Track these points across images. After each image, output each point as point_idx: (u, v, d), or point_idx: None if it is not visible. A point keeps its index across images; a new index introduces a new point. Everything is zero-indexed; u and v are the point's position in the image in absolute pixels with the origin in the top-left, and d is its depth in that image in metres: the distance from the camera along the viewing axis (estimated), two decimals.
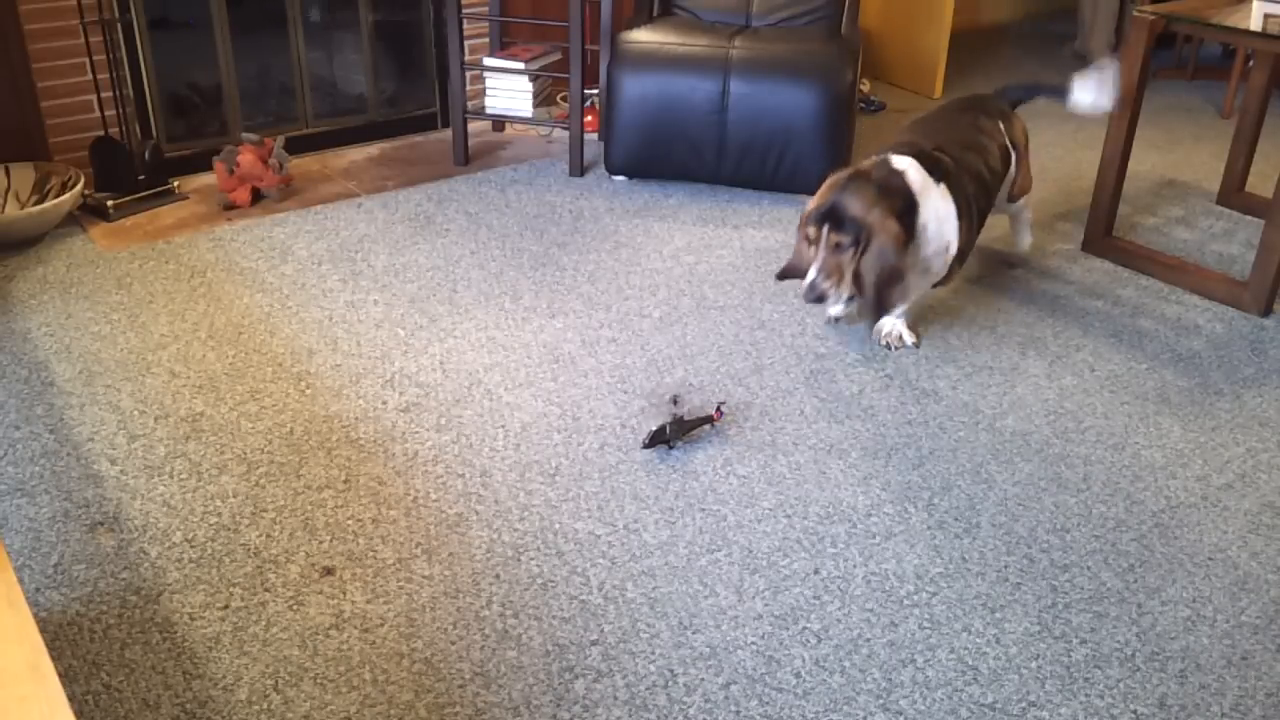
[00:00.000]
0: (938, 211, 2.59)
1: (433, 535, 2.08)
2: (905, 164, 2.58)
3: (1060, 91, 3.00)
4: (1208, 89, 5.09)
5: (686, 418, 2.37)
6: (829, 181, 2.55)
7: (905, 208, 2.52)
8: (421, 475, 2.25)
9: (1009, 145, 2.94)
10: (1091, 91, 2.94)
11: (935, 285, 2.76)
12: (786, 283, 3.10)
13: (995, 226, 3.28)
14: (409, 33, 4.25)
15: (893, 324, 2.77)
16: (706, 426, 2.41)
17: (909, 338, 2.77)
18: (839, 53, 3.55)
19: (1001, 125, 2.95)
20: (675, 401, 2.47)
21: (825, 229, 2.48)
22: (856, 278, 2.51)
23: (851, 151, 3.68)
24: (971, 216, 2.71)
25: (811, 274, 2.49)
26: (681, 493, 2.21)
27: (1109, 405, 2.56)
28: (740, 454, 2.34)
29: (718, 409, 2.41)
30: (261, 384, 2.55)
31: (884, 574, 2.01)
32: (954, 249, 2.64)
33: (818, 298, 2.50)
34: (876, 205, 2.47)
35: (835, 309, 2.83)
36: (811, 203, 2.55)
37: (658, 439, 2.32)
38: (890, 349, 2.76)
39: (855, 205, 2.47)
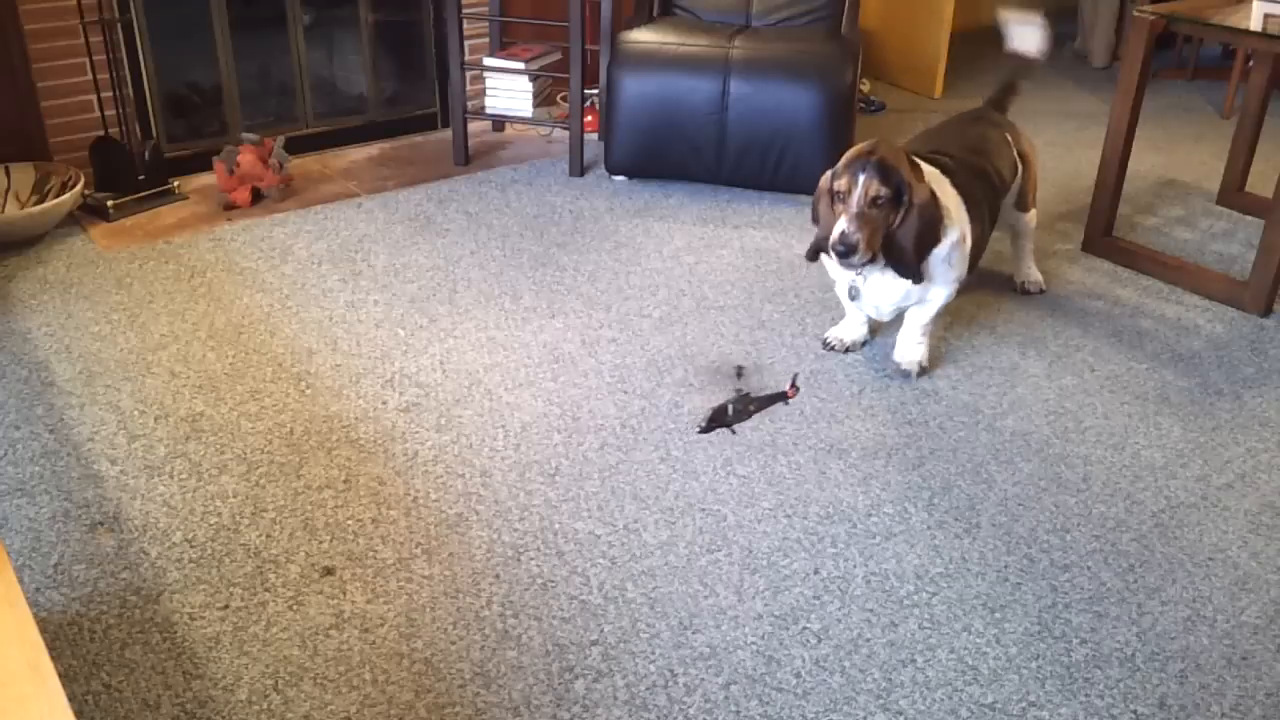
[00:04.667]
0: (953, 198, 2.49)
1: (433, 535, 2.08)
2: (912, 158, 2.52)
3: (1016, 64, 3.03)
4: (1208, 89, 5.09)
5: (753, 395, 2.09)
6: (851, 152, 2.40)
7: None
8: (421, 475, 2.25)
9: (1017, 159, 2.87)
10: (1019, 35, 3.01)
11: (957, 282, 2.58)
12: (787, 282, 3.10)
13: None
14: (409, 33, 4.25)
15: (916, 343, 2.65)
16: (780, 405, 2.15)
17: (926, 362, 2.66)
18: (839, 53, 3.55)
19: (1009, 137, 2.88)
20: (740, 374, 2.21)
21: (863, 178, 2.31)
22: (890, 240, 2.36)
23: None
24: (981, 211, 2.61)
25: (843, 223, 2.31)
26: (681, 493, 2.21)
27: (1109, 405, 2.56)
28: (740, 454, 2.34)
29: (792, 384, 2.17)
30: (261, 384, 2.55)
31: (884, 574, 2.01)
32: (969, 238, 2.52)
33: (848, 248, 2.29)
34: (913, 169, 2.37)
35: (854, 334, 2.75)
36: (840, 164, 2.41)
37: (718, 421, 2.04)
38: (911, 376, 2.64)
39: (894, 163, 2.33)
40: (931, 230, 2.39)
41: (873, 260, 2.39)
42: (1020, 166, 2.88)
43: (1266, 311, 2.98)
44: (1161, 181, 3.95)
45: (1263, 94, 3.40)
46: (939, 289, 2.55)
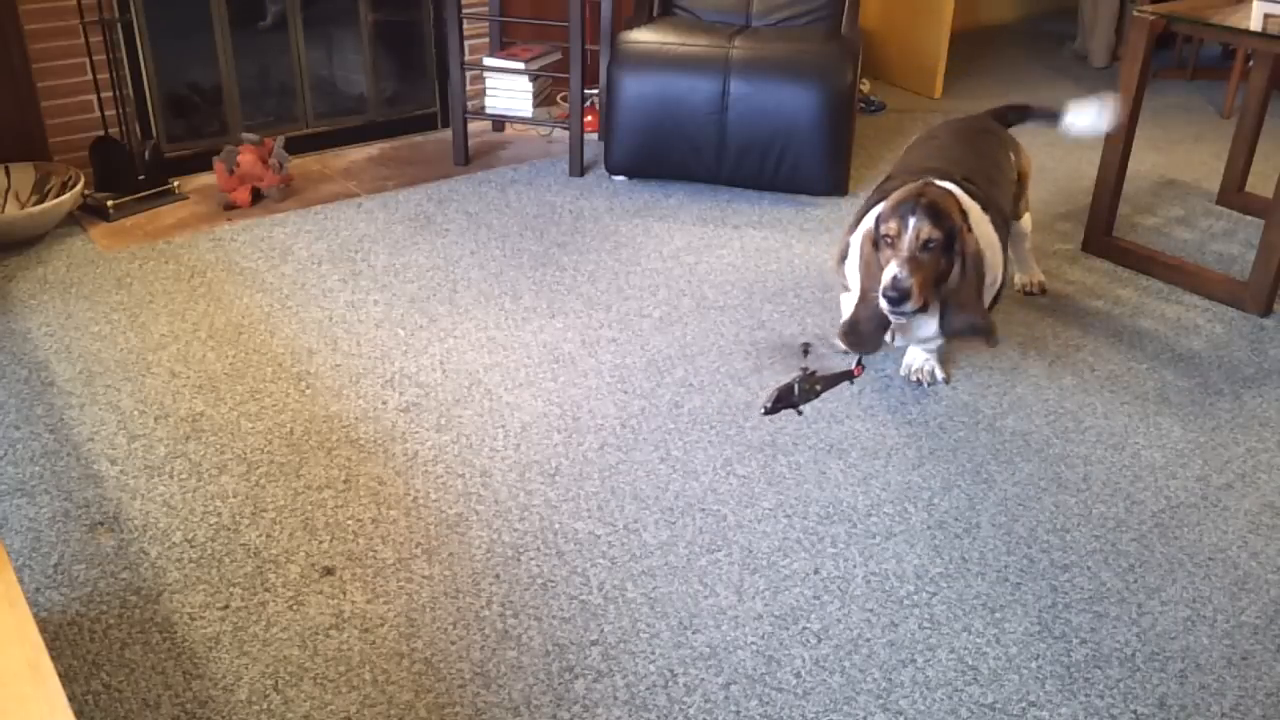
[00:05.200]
0: (989, 239, 2.36)
1: (433, 535, 2.08)
2: (951, 187, 2.36)
3: (1053, 116, 2.88)
4: (1208, 89, 5.09)
5: (819, 373, 2.00)
6: (899, 193, 2.29)
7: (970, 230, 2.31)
8: (421, 475, 2.25)
9: (1016, 178, 2.76)
10: (1090, 116, 2.84)
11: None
12: (786, 282, 3.10)
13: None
14: (409, 33, 4.25)
15: (924, 359, 2.59)
16: (846, 384, 2.09)
17: (940, 373, 2.59)
18: (839, 53, 3.55)
19: (1013, 156, 2.78)
20: (806, 351, 2.11)
21: (913, 221, 2.19)
22: (949, 296, 2.27)
23: (851, 152, 3.68)
24: (1005, 250, 2.49)
25: (894, 268, 2.18)
26: (681, 493, 2.21)
27: (1109, 405, 2.56)
28: (740, 454, 2.34)
29: (858, 362, 2.11)
30: (261, 384, 2.55)
31: (884, 574, 2.01)
32: (998, 281, 2.41)
33: (900, 294, 2.16)
34: (962, 216, 2.26)
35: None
36: (886, 206, 2.28)
37: (784, 402, 1.96)
38: (922, 385, 2.57)
39: (945, 208, 2.22)
40: (981, 282, 2.29)
41: (924, 309, 2.26)
42: (1017, 183, 2.77)
43: (1266, 311, 2.98)
44: (1161, 181, 3.95)
45: (1263, 94, 3.40)
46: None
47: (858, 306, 2.38)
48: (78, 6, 3.28)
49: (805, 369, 2.02)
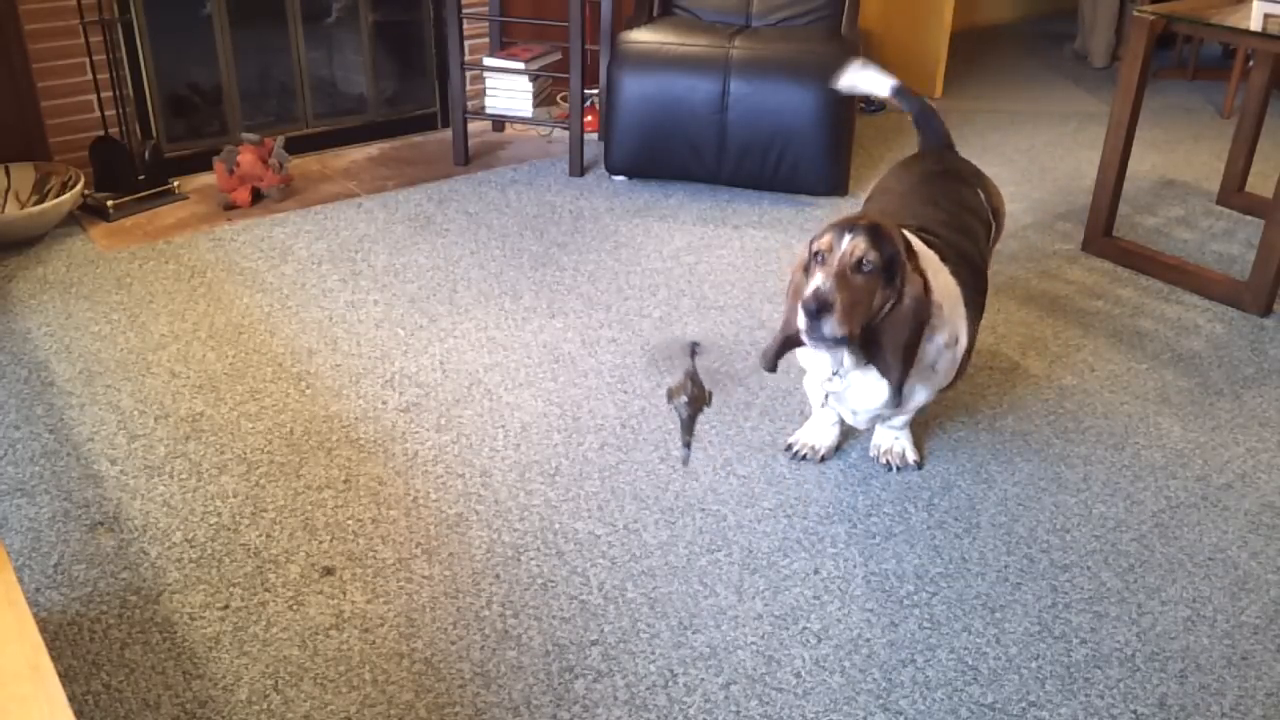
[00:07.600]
0: (949, 292, 2.07)
1: (433, 535, 2.08)
2: (906, 234, 2.05)
3: (902, 96, 2.59)
4: (1208, 89, 5.09)
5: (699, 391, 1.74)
6: (838, 218, 1.98)
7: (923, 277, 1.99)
8: (421, 475, 2.25)
9: (990, 216, 2.42)
10: (867, 83, 2.63)
11: (941, 390, 2.19)
12: (786, 282, 3.10)
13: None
14: (409, 33, 4.25)
15: (893, 438, 2.31)
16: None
17: (912, 454, 2.31)
18: (839, 53, 3.55)
19: (981, 194, 2.43)
20: (694, 353, 1.77)
21: (849, 237, 1.90)
22: (874, 336, 1.96)
23: (851, 152, 3.68)
24: (975, 309, 2.20)
25: (818, 279, 1.88)
26: (681, 493, 2.21)
27: (1109, 405, 2.56)
28: (740, 454, 2.34)
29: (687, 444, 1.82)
30: (261, 384, 2.55)
31: (884, 574, 2.01)
32: (963, 341, 2.11)
33: (820, 305, 1.85)
34: (907, 249, 1.96)
35: (826, 438, 2.34)
36: (822, 227, 1.97)
37: (685, 432, 1.71)
38: (893, 469, 2.30)
39: (888, 232, 1.93)
40: (918, 333, 1.98)
41: (848, 341, 1.94)
42: (994, 225, 2.44)
43: (1266, 311, 2.98)
44: (1161, 181, 3.95)
45: (1263, 94, 3.40)
46: (918, 398, 2.14)
47: (779, 335, 2.12)
48: (78, 6, 3.28)
49: (691, 374, 1.69)
